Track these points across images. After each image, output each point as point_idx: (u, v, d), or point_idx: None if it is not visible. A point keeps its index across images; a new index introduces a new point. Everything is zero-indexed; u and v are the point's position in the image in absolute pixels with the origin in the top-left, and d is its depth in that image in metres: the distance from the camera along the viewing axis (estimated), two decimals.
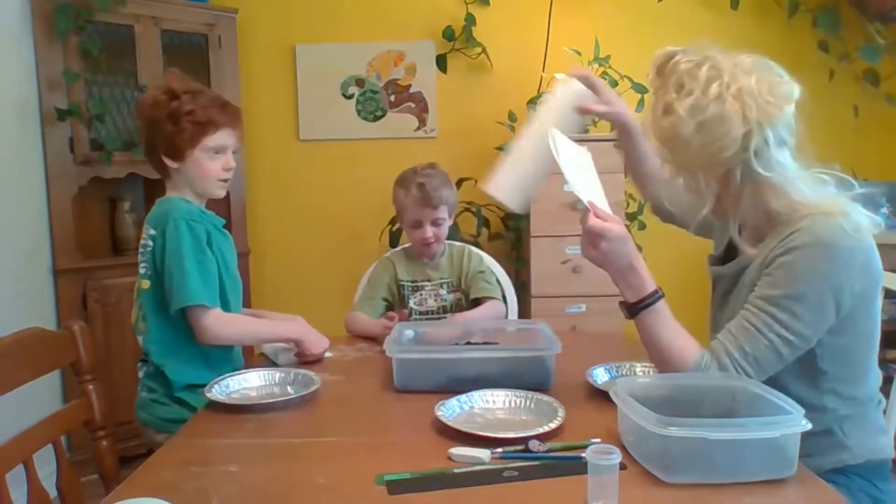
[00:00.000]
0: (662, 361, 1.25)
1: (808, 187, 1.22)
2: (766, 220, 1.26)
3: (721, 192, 1.25)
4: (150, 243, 1.66)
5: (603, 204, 1.25)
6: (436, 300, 2.07)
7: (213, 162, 1.69)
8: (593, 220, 1.20)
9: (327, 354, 1.77)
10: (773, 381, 1.19)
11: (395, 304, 2.09)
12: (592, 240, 1.21)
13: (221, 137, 1.69)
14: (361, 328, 1.96)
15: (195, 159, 1.67)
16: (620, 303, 1.27)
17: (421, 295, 2.07)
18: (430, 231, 2.01)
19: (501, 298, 2.12)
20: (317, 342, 1.72)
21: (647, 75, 1.32)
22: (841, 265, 1.16)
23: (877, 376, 1.30)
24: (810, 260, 1.16)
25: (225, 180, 1.74)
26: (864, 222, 1.18)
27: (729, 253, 1.38)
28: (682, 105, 1.20)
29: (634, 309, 1.24)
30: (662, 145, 1.26)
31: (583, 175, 1.30)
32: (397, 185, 2.05)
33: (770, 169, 1.20)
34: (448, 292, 2.08)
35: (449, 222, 2.06)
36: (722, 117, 1.17)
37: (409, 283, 2.07)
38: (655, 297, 1.24)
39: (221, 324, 1.64)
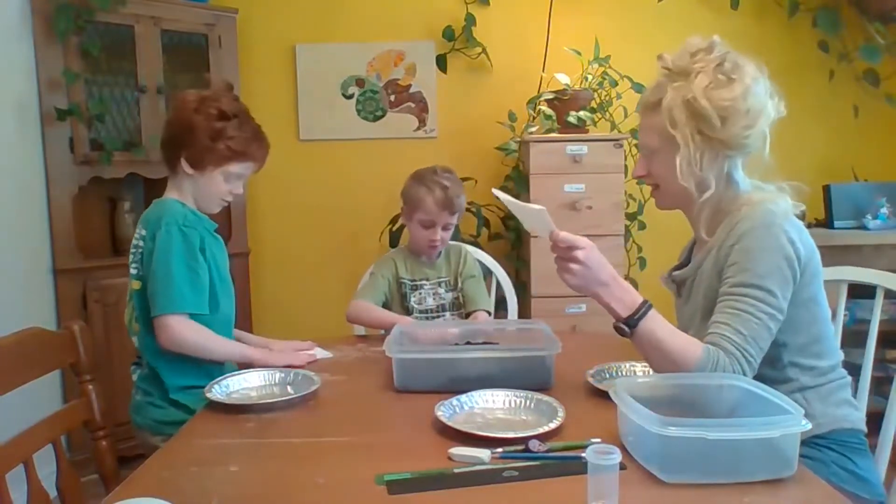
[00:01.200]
0: (668, 364, 1.25)
1: (750, 186, 1.41)
2: (716, 211, 1.38)
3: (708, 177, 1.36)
4: (141, 244, 1.67)
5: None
6: (434, 299, 2.08)
7: (225, 185, 1.73)
8: (562, 233, 1.25)
9: (325, 354, 1.77)
10: None
11: (393, 301, 2.09)
12: (566, 253, 1.25)
13: (245, 168, 1.74)
14: (376, 319, 1.97)
15: (212, 176, 1.70)
16: (615, 324, 1.27)
17: (420, 294, 2.07)
18: (439, 234, 2.02)
19: (492, 301, 2.14)
20: (271, 361, 1.66)
21: (647, 75, 1.36)
22: (783, 239, 1.28)
23: (837, 355, 1.40)
24: (758, 241, 1.29)
25: (226, 201, 1.77)
26: (788, 207, 1.34)
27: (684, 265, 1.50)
28: (741, 84, 1.31)
29: (633, 321, 1.25)
30: (714, 113, 1.30)
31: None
32: (417, 183, 2.03)
33: (745, 168, 1.39)
34: (446, 291, 2.09)
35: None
36: (762, 110, 1.32)
37: (410, 282, 2.08)
38: (647, 303, 1.26)
39: (186, 329, 1.61)
